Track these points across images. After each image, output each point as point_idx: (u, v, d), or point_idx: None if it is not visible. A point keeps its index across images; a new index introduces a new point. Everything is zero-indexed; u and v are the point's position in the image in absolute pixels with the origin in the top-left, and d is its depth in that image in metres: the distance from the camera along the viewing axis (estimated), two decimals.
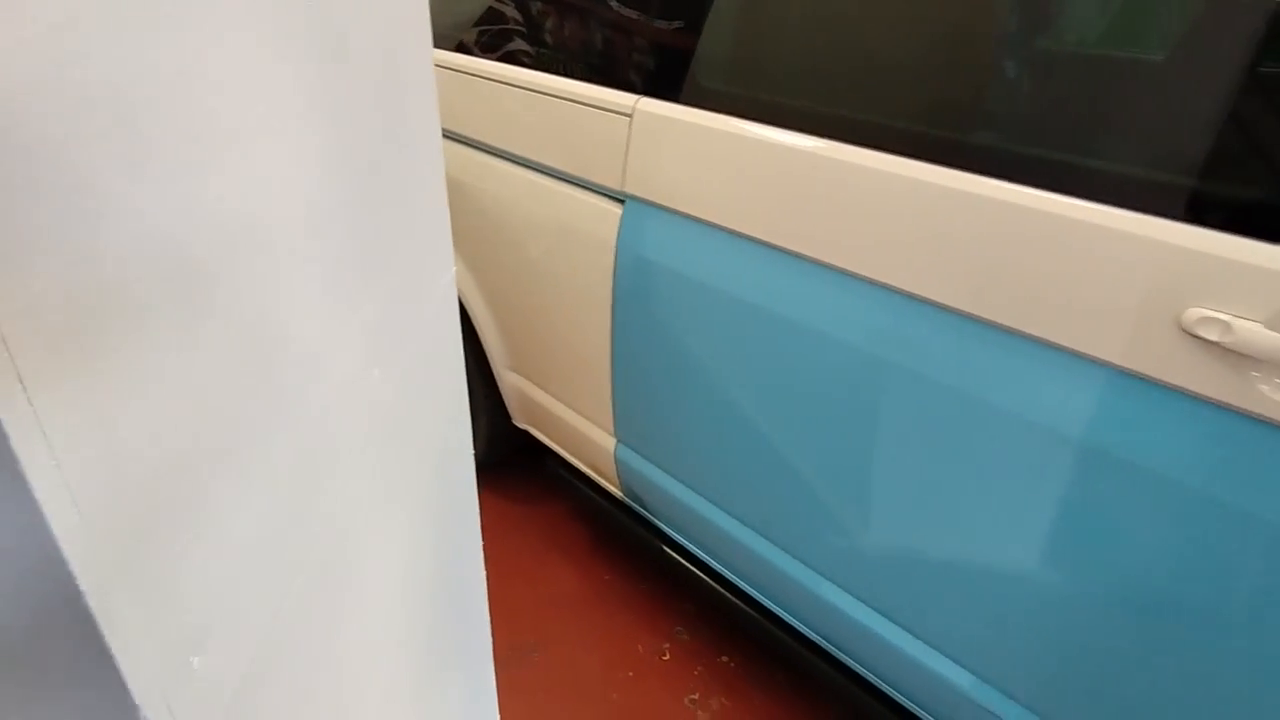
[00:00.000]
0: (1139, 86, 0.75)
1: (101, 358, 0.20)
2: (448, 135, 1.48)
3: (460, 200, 1.51)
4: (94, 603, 0.19)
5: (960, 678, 1.00)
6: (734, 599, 1.35)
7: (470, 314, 1.61)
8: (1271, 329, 0.64)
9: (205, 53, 0.23)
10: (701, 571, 1.40)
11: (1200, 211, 0.69)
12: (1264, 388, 0.66)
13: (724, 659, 1.48)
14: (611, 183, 1.19)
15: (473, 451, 0.56)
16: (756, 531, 1.20)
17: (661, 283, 1.16)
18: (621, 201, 1.19)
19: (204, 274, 0.24)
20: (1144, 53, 0.76)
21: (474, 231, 1.50)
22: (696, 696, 1.41)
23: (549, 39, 1.34)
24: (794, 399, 1.05)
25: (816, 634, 1.21)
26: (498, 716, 0.72)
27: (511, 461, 1.88)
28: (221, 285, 0.25)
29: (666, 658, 1.48)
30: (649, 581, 1.64)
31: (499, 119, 1.38)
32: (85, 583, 0.19)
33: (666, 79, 1.12)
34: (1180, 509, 0.72)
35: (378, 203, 0.38)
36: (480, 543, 0.60)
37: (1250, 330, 0.65)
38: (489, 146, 1.42)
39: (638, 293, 1.20)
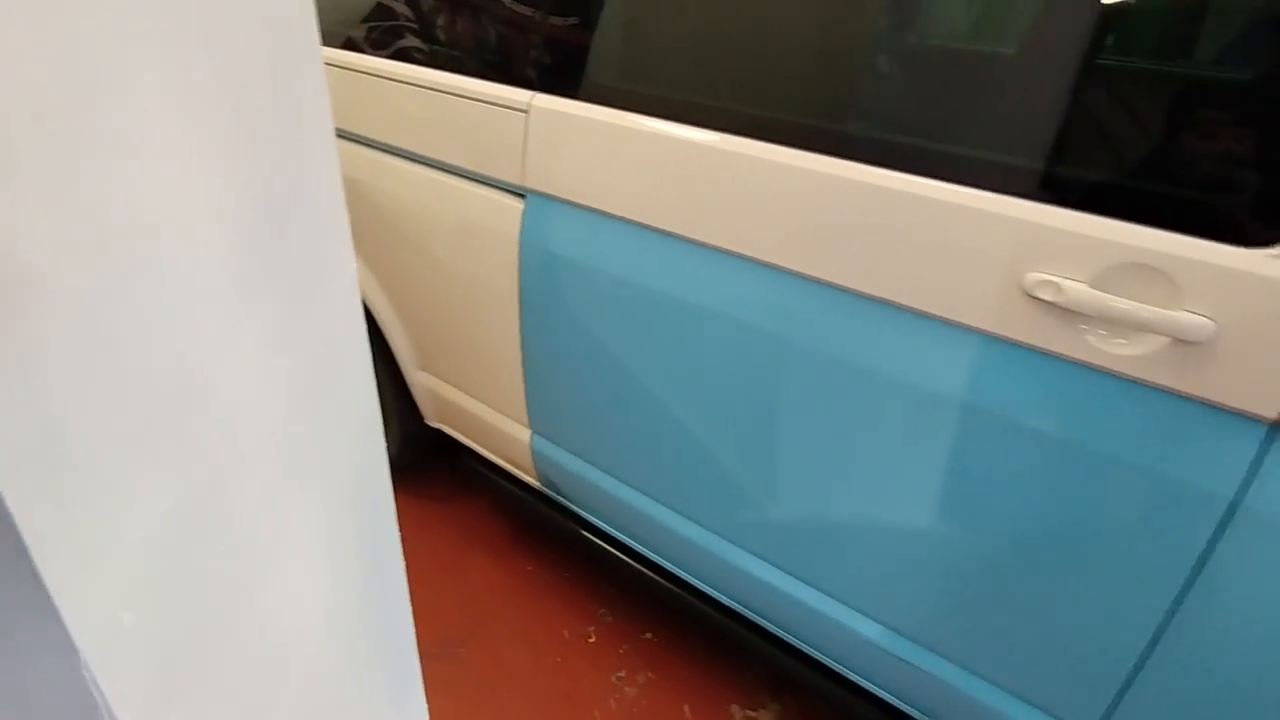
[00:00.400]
0: (987, 80, 0.84)
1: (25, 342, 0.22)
2: (340, 134, 1.46)
3: (356, 200, 1.48)
4: (30, 541, 0.21)
5: (868, 628, 1.08)
6: (654, 576, 1.40)
7: (375, 316, 1.59)
8: (1094, 288, 0.74)
9: (85, 56, 0.24)
10: (621, 553, 1.44)
11: (1037, 189, 0.78)
12: (1090, 338, 0.75)
13: (648, 635, 1.53)
14: (511, 178, 1.21)
15: (387, 454, 0.57)
16: (672, 509, 1.26)
17: (566, 274, 1.19)
18: (522, 196, 1.22)
19: (74, 283, 0.25)
20: (994, 49, 0.85)
21: (373, 232, 1.48)
22: (623, 674, 1.45)
23: (441, 35, 1.35)
24: (698, 379, 1.10)
25: (734, 601, 1.28)
26: (426, 712, 0.73)
27: (427, 462, 1.87)
28: (100, 296, 0.25)
29: (592, 640, 1.52)
30: (571, 569, 1.67)
31: (394, 117, 1.37)
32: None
33: (562, 75, 1.15)
34: (1034, 451, 0.82)
35: (274, 205, 0.38)
36: (399, 544, 0.61)
37: (1078, 290, 0.74)
38: (384, 144, 1.40)
39: (543, 285, 1.23)
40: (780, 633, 1.24)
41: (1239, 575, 0.74)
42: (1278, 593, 0.72)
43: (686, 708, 1.39)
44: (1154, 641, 0.81)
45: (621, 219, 1.10)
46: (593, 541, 1.47)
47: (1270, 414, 0.69)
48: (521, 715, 1.36)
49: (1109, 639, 0.85)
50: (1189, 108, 0.72)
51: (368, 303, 1.60)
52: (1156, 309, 0.71)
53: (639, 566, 1.42)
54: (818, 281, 0.93)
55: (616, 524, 1.40)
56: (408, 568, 0.61)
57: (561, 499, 1.50)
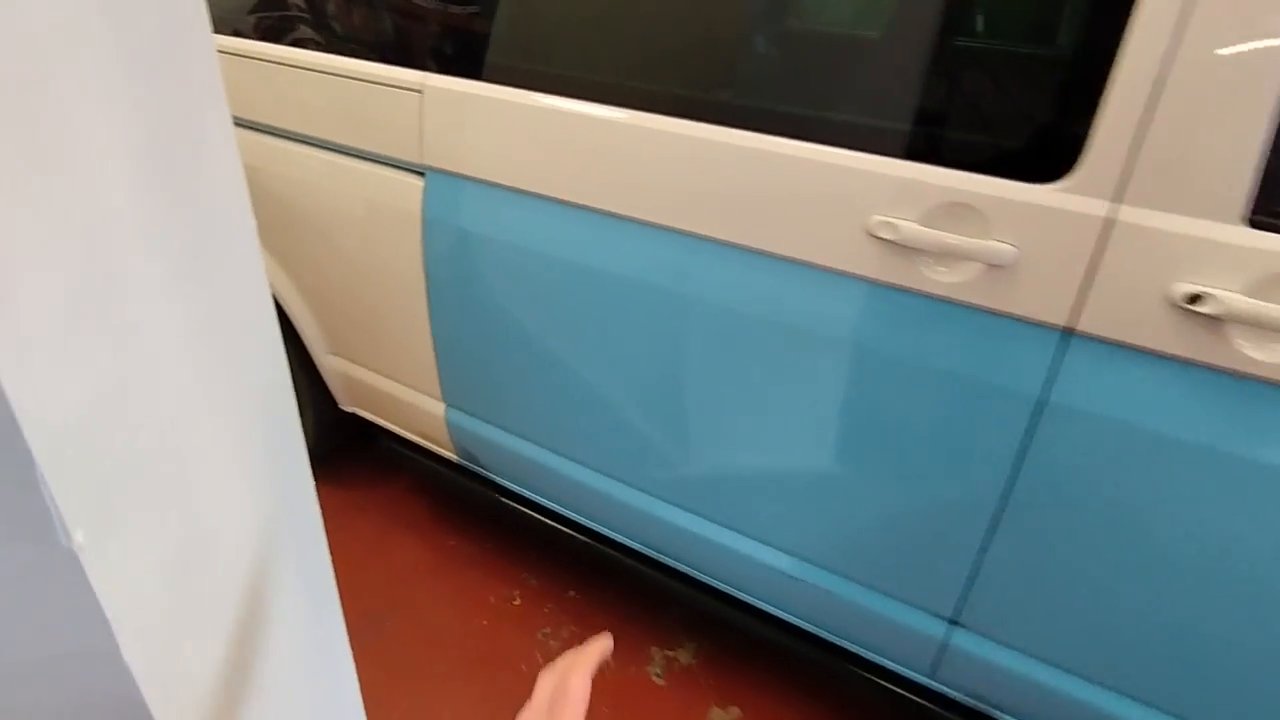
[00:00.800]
0: (835, 55, 0.96)
1: None
2: (235, 122, 1.46)
3: (255, 188, 1.49)
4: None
5: (766, 554, 1.19)
6: (574, 534, 1.47)
7: (282, 303, 1.60)
8: (923, 225, 0.86)
9: None
10: (542, 516, 1.51)
11: (876, 144, 0.90)
12: (923, 269, 0.88)
13: (571, 594, 1.61)
14: (410, 157, 1.26)
15: (305, 443, 0.58)
16: (586, 466, 1.33)
17: (470, 247, 1.25)
18: (422, 174, 1.26)
19: None
20: (841, 30, 0.97)
21: (275, 218, 1.49)
22: (548, 630, 1.52)
23: (333, 21, 1.37)
24: (601, 339, 1.18)
25: (651, 549, 1.37)
26: (355, 677, 0.76)
27: (345, 448, 1.88)
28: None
29: (518, 603, 1.58)
30: (494, 540, 1.73)
31: (288, 102, 1.39)
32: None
33: (458, 57, 1.21)
34: (884, 372, 0.94)
35: (177, 197, 0.39)
36: (323, 530, 0.62)
37: (910, 228, 0.86)
38: (279, 130, 1.42)
39: (448, 259, 1.28)
40: (694, 573, 1.34)
41: (1053, 462, 0.88)
42: (1088, 472, 0.87)
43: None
44: (992, 528, 0.95)
45: (521, 191, 1.16)
46: (514, 508, 1.53)
47: (1061, 321, 0.82)
48: (450, 677, 1.42)
49: (955, 532, 0.98)
50: (991, 74, 0.85)
51: (274, 291, 1.60)
52: (972, 239, 0.84)
53: (560, 527, 1.49)
54: (703, 238, 1.03)
55: (535, 488, 1.47)
56: (332, 552, 0.63)
57: (480, 470, 1.55)
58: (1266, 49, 0.69)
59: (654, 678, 1.44)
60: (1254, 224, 0.73)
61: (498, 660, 1.45)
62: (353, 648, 0.69)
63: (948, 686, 1.14)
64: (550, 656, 1.48)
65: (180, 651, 0.42)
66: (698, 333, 1.08)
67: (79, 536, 0.32)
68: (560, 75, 1.11)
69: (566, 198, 1.12)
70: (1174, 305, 0.76)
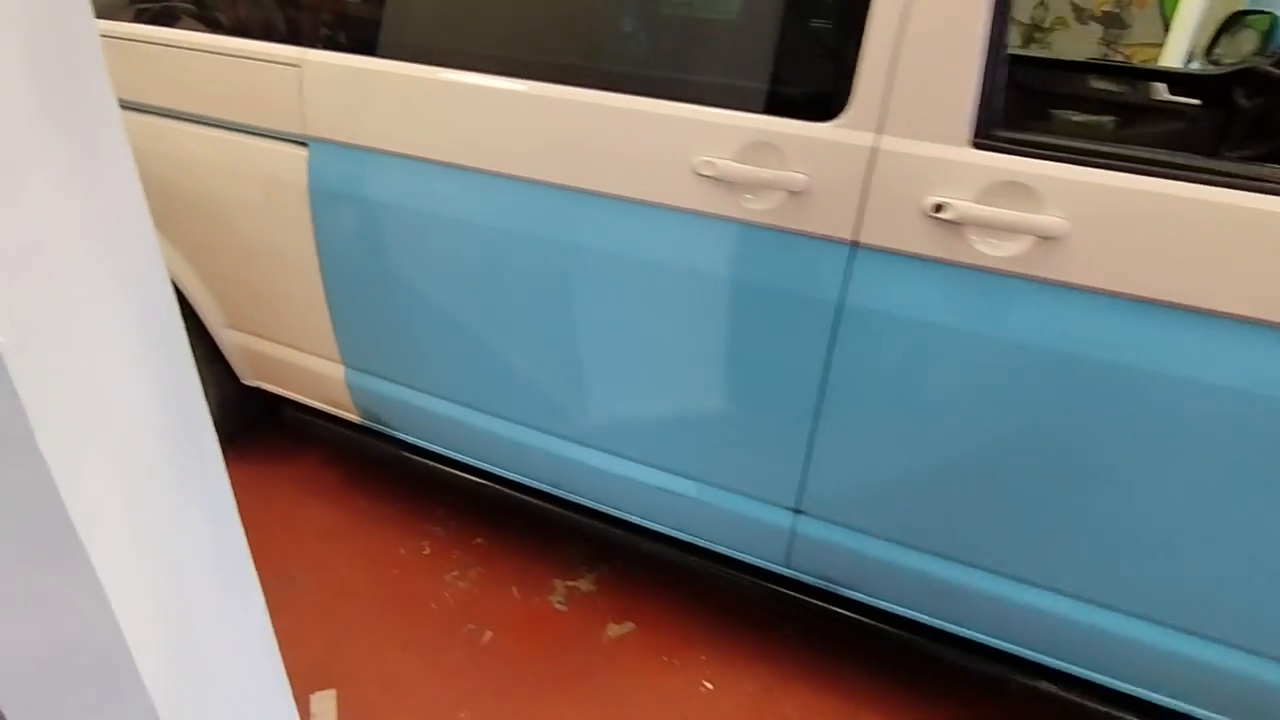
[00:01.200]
0: (668, 23, 1.11)
1: None
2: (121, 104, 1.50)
3: (143, 170, 1.54)
4: None
5: (653, 476, 1.33)
6: (479, 480, 1.57)
7: (177, 282, 1.65)
8: (737, 162, 1.02)
9: None
10: (448, 467, 1.60)
11: (698, 96, 1.05)
12: (738, 200, 1.04)
13: (479, 540, 1.72)
14: (293, 128, 1.35)
15: (211, 420, 0.62)
16: (480, 410, 1.45)
17: (355, 210, 1.35)
18: (305, 144, 1.36)
19: None
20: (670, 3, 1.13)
21: (164, 197, 1.54)
22: (456, 573, 1.63)
23: (213, 3, 1.44)
24: (483, 289, 1.31)
25: (549, 484, 1.49)
26: (269, 627, 0.83)
27: (252, 425, 1.93)
28: None
29: (427, 552, 1.68)
30: (404, 498, 1.82)
31: (170, 82, 1.45)
32: None
33: (334, 31, 1.30)
34: (712, 293, 1.10)
35: (70, 182, 0.42)
36: (234, 505, 0.67)
37: (726, 165, 1.03)
38: (164, 110, 1.48)
39: (336, 224, 1.38)
40: (589, 503, 1.46)
41: (856, 355, 1.06)
42: (884, 361, 1.05)
43: (514, 588, 1.60)
44: (815, 420, 1.12)
45: (397, 155, 1.27)
46: (421, 464, 1.63)
47: (848, 236, 1.00)
48: (361, 621, 1.51)
49: (785, 428, 1.15)
50: (780, 33, 1.02)
51: (169, 271, 1.65)
52: (774, 171, 1.01)
53: (465, 475, 1.59)
54: (564, 188, 1.16)
55: (437, 439, 1.57)
56: (244, 525, 0.68)
57: (385, 428, 1.65)
58: (966, 3, 0.88)
59: (556, 605, 1.57)
60: (976, 145, 0.92)
61: (406, 602, 1.55)
62: (267, 601, 0.75)
63: (803, 572, 1.31)
64: (458, 594, 1.60)
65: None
66: (565, 275, 1.22)
67: None
68: (428, 46, 1.22)
69: (439, 158, 1.24)
70: (926, 215, 0.95)
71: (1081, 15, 3.71)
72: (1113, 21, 3.65)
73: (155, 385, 0.56)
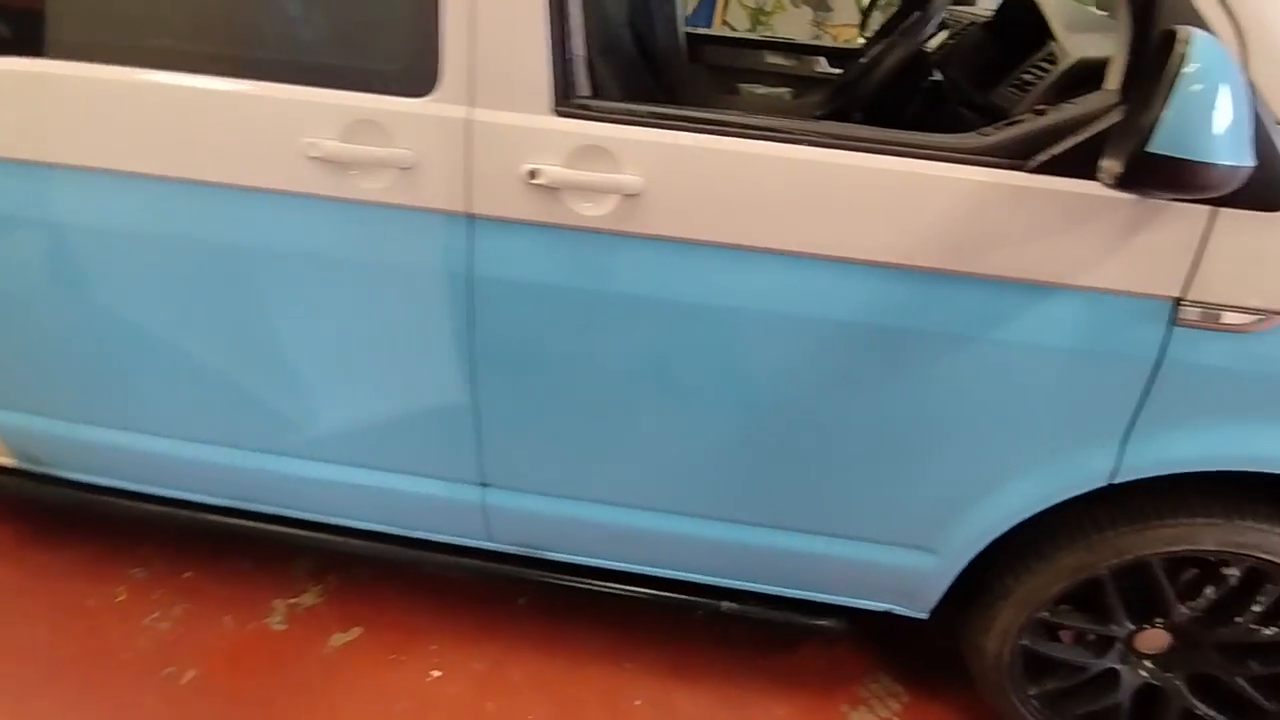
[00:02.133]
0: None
1: None
2: None
3: None
4: None
5: (352, 475, 1.28)
6: (183, 513, 1.43)
7: None
8: (343, 141, 1.00)
9: None
10: (139, 501, 1.44)
11: (300, 77, 1.02)
12: (352, 180, 1.02)
13: (188, 574, 1.58)
14: None
15: None
16: (149, 433, 1.32)
17: None
18: None
19: None
20: None
21: None
22: (157, 614, 1.49)
23: None
24: (120, 298, 1.18)
25: (257, 502, 1.38)
26: None
27: None
28: None
29: (122, 598, 1.52)
30: (94, 545, 1.62)
31: None
32: None
33: None
34: (359, 280, 1.08)
35: None
36: None
37: (332, 145, 1.00)
38: None
39: None
40: (307, 515, 1.38)
41: (494, 323, 1.08)
42: (519, 326, 1.08)
43: (227, 618, 1.49)
44: (474, 391, 1.14)
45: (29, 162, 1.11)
46: (109, 502, 1.45)
47: (462, 208, 1.02)
48: (46, 683, 1.33)
49: (450, 404, 1.16)
50: (373, 15, 1.01)
51: None
52: (381, 149, 1.00)
53: (162, 508, 1.44)
54: (175, 180, 1.07)
55: (107, 471, 1.42)
56: None
57: (51, 470, 1.46)
58: None
59: (275, 627, 1.48)
60: (559, 113, 0.98)
61: (92, 656, 1.39)
62: None
63: (506, 543, 1.34)
64: (158, 637, 1.46)
65: None
66: (199, 275, 1.13)
67: None
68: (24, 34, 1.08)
69: (50, 160, 1.10)
70: (525, 182, 0.98)
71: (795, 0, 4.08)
72: (819, 5, 4.05)
73: None
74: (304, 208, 1.05)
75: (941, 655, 1.41)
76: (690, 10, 4.21)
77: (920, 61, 1.51)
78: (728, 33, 3.98)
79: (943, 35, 1.83)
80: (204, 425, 1.29)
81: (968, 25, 1.78)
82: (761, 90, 2.19)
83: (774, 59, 2.21)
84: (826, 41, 3.96)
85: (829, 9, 4.02)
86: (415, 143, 1.00)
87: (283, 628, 1.48)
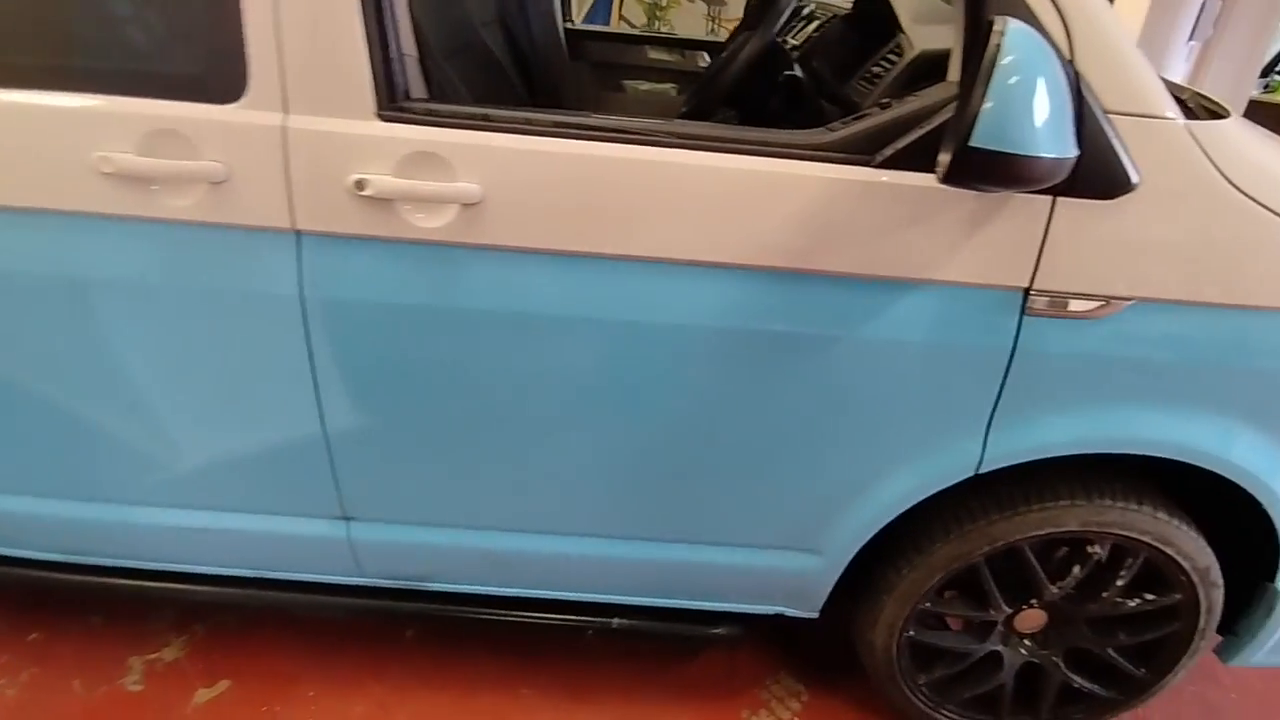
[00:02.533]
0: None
1: None
2: None
3: None
4: None
5: (197, 519, 1.16)
6: (19, 570, 1.28)
7: None
8: (139, 155, 0.90)
9: None
10: None
11: (91, 84, 0.91)
12: (154, 196, 0.92)
13: (34, 636, 1.43)
14: None
15: None
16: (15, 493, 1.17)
17: None
18: None
19: None
20: None
21: None
22: (2, 682, 1.34)
23: None
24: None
25: (112, 557, 1.25)
26: None
27: None
28: None
29: None
30: None
31: None
32: None
33: None
34: (179, 308, 0.98)
35: None
36: None
37: (126, 159, 0.90)
38: None
39: None
40: (169, 566, 1.26)
41: (337, 349, 1.00)
42: (360, 350, 1.00)
43: (76, 682, 1.35)
44: (322, 421, 1.05)
45: None
46: None
47: (287, 224, 0.93)
48: None
49: (300, 437, 1.07)
50: (174, 13, 0.91)
51: None
52: (185, 162, 0.90)
53: (2, 568, 1.29)
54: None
55: None
56: None
57: None
58: None
59: (130, 688, 1.35)
60: (383, 118, 0.90)
61: None
62: None
63: (377, 577, 1.25)
64: (6, 708, 1.31)
65: None
66: (13, 308, 1.01)
67: None
68: None
69: None
70: (352, 193, 0.90)
71: None
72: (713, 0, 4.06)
73: None
74: (104, 230, 0.94)
75: (840, 652, 1.40)
76: (588, 8, 4.16)
77: (777, 54, 1.50)
78: (625, 29, 3.94)
79: (811, 27, 1.83)
80: (37, 476, 1.15)
81: (831, 18, 1.78)
82: (645, 86, 2.15)
83: (657, 54, 2.17)
84: (722, 36, 3.98)
85: (723, 2, 4.03)
86: (225, 154, 0.90)
87: (139, 688, 1.35)
